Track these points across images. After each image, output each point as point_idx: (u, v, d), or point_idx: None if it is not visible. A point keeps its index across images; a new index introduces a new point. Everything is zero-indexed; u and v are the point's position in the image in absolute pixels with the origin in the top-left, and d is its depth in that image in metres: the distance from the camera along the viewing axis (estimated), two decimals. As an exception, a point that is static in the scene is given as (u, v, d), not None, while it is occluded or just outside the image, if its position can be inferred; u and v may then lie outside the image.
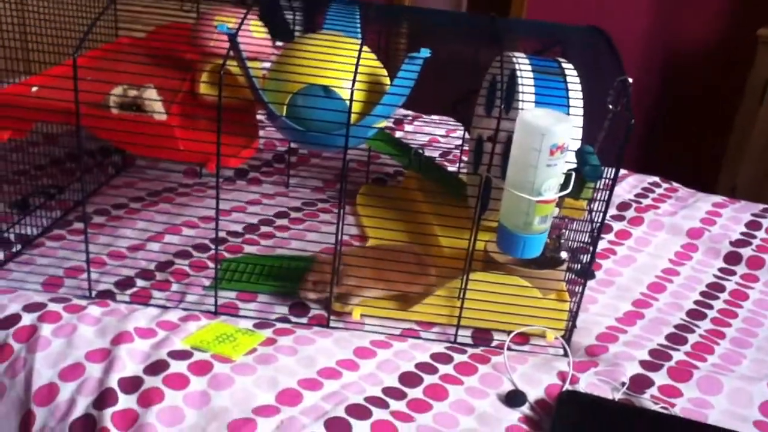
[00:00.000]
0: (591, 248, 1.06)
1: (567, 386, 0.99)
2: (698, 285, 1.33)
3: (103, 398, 0.88)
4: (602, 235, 1.45)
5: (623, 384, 1.00)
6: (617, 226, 1.49)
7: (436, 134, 1.88)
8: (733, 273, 1.38)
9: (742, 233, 1.49)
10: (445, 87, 1.62)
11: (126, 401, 0.87)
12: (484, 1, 3.51)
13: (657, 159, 3.05)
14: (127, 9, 1.32)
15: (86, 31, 1.02)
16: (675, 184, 1.73)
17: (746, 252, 1.42)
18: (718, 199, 1.64)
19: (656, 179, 1.74)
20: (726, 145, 2.65)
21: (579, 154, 1.04)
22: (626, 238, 1.46)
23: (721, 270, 1.39)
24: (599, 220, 1.05)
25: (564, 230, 1.18)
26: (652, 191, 1.67)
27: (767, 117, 2.48)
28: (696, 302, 1.27)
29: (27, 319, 1.00)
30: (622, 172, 1.77)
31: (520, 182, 0.95)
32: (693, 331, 1.17)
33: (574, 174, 0.98)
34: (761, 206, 1.62)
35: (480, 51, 1.27)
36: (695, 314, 1.23)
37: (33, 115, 1.11)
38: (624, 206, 1.57)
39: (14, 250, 1.18)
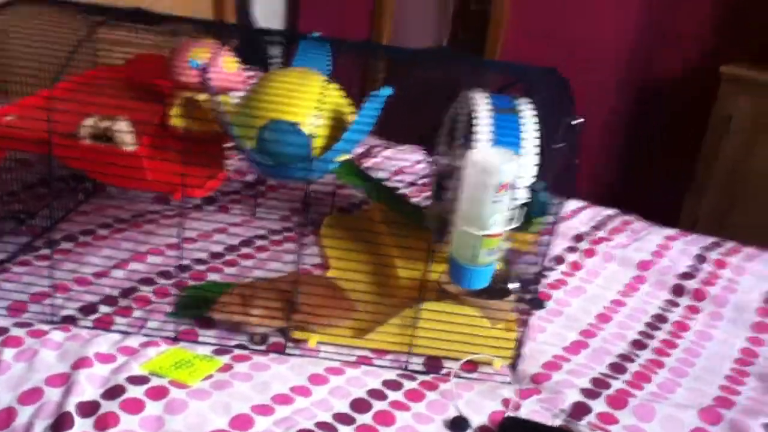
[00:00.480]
0: (538, 280, 1.12)
1: (509, 412, 1.04)
2: (643, 316, 1.39)
3: (61, 422, 0.91)
4: (554, 267, 1.51)
5: (563, 411, 1.06)
6: (570, 257, 1.55)
7: (404, 165, 1.94)
8: (677, 305, 1.44)
9: (689, 266, 1.55)
10: (416, 118, 1.69)
11: (82, 425, 0.91)
12: (468, 30, 3.62)
13: (624, 189, 3.14)
14: (106, 37, 1.36)
15: (64, 64, 1.06)
16: (631, 216, 1.79)
17: (691, 284, 1.48)
18: (671, 231, 1.71)
19: (614, 211, 1.81)
20: (690, 177, 2.73)
21: (530, 189, 1.10)
22: (578, 269, 1.52)
23: (666, 301, 1.45)
24: (545, 252, 1.11)
25: (513, 262, 1.24)
26: (607, 224, 1.74)
27: (729, 151, 2.57)
28: (639, 332, 1.33)
29: (-10, 343, 1.03)
30: (581, 204, 1.84)
31: (469, 217, 1.01)
32: (633, 361, 1.23)
33: (518, 209, 1.03)
34: (711, 239, 1.69)
35: (451, 85, 1.34)
36: (638, 344, 1.29)
37: (7, 144, 1.15)
38: (578, 238, 1.64)
39: (-19, 274, 1.22)
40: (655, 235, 1.68)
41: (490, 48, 3.04)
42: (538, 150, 1.12)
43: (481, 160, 1.00)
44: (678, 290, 1.48)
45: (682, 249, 1.62)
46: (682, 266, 1.55)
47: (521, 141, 1.13)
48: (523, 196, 1.06)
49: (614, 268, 1.54)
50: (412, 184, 1.83)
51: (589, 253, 1.58)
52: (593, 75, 2.85)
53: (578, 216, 1.76)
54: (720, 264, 1.57)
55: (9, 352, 1.01)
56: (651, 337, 1.32)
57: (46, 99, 1.04)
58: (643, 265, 1.55)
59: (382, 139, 2.07)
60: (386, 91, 1.20)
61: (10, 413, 0.93)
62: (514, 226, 1.05)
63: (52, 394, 0.95)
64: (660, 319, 1.38)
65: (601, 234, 1.67)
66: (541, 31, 2.94)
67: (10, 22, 1.16)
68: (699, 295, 1.46)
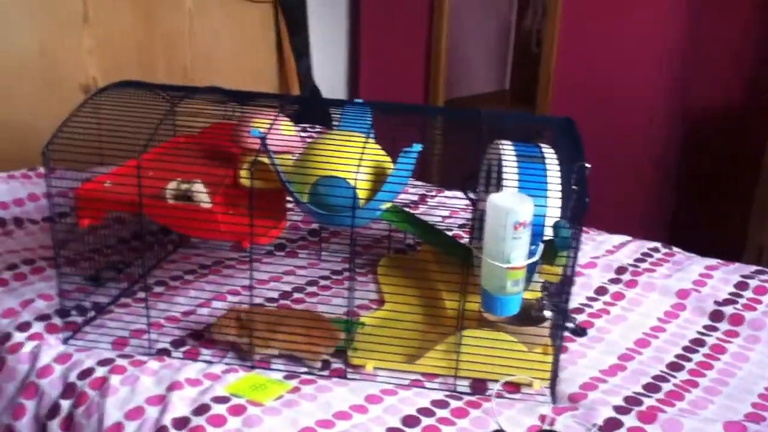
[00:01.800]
0: (564, 304, 1.24)
1: (545, 426, 1.16)
2: (681, 340, 1.47)
3: (159, 434, 1.09)
4: (598, 297, 1.62)
5: (594, 425, 1.17)
6: (613, 288, 1.65)
7: (456, 208, 2.09)
8: (716, 329, 1.52)
9: (730, 293, 1.63)
10: (461, 167, 1.84)
11: (176, 436, 1.09)
12: (526, 69, 3.73)
13: (683, 223, 3.17)
14: (184, 110, 1.59)
15: (148, 138, 1.28)
16: (674, 249, 1.88)
17: (729, 310, 1.56)
18: (712, 261, 1.78)
19: (657, 245, 1.89)
20: (750, 208, 2.76)
21: (554, 226, 1.24)
22: (620, 299, 1.62)
23: (705, 327, 1.53)
24: (568, 281, 1.23)
25: (546, 292, 1.36)
26: (651, 256, 1.83)
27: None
28: (676, 356, 1.41)
29: (99, 371, 1.23)
30: (625, 238, 1.93)
31: (493, 252, 1.15)
32: (668, 381, 1.32)
33: (543, 244, 1.17)
34: (753, 268, 1.75)
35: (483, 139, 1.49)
36: (674, 366, 1.38)
37: (106, 206, 1.37)
38: (621, 270, 1.73)
39: (89, 316, 1.43)
40: (697, 265, 1.76)
41: (542, 87, 3.15)
42: (560, 192, 1.26)
43: (498, 202, 1.16)
44: (717, 316, 1.55)
45: (723, 278, 1.69)
46: (722, 294, 1.62)
47: (546, 184, 1.27)
48: (548, 233, 1.20)
49: (655, 297, 1.63)
50: (462, 225, 1.97)
51: (631, 284, 1.67)
52: (639, 111, 2.94)
53: (622, 250, 1.86)
54: (760, 290, 1.63)
55: (116, 378, 1.21)
56: (688, 359, 1.40)
57: (135, 168, 1.25)
58: (683, 294, 1.63)
59: (435, 186, 2.23)
60: (417, 147, 1.37)
61: (119, 428, 1.12)
62: (534, 259, 1.18)
63: (152, 411, 1.14)
64: (697, 342, 1.46)
65: (644, 266, 1.77)
66: (588, 67, 3.04)
67: (106, 104, 1.38)
68: (737, 320, 1.53)
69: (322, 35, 3.20)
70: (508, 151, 1.34)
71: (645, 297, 1.63)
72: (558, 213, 1.29)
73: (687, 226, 3.15)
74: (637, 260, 1.80)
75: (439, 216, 2.00)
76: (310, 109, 1.65)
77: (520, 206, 1.11)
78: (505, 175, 1.30)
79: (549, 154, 1.37)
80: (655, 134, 3.07)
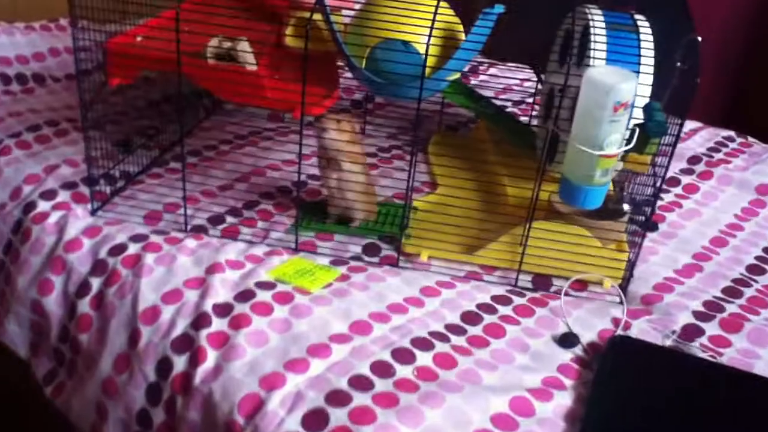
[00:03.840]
0: (653, 201, 1.10)
1: (619, 331, 1.06)
2: (762, 241, 1.35)
3: (199, 321, 1.00)
4: (669, 189, 1.48)
5: (673, 332, 1.06)
6: (685, 179, 1.51)
7: (511, 83, 1.91)
8: (800, 230, 1.39)
9: (815, 191, 1.48)
10: (524, 35, 1.64)
11: (219, 324, 1.00)
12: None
13: (740, 112, 2.96)
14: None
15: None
16: (750, 139, 1.71)
17: (816, 209, 1.42)
18: (793, 154, 1.62)
19: (731, 133, 1.73)
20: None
21: (646, 109, 1.08)
22: (693, 192, 1.48)
23: (787, 227, 1.40)
24: (662, 174, 1.09)
25: (627, 183, 1.22)
26: (726, 145, 1.67)
27: None
28: (757, 257, 1.30)
29: (132, 248, 1.13)
30: (696, 125, 1.77)
31: (584, 136, 1.00)
32: (750, 286, 1.21)
33: (638, 129, 1.02)
34: (839, 163, 1.60)
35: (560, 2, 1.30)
36: (754, 269, 1.26)
37: (139, 63, 1.21)
38: (694, 160, 1.58)
39: (119, 185, 1.32)
40: (778, 157, 1.60)
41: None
42: (654, 69, 1.09)
43: (597, 78, 0.99)
44: (800, 216, 1.42)
45: (807, 173, 1.54)
46: (806, 191, 1.48)
47: (638, 59, 1.09)
48: (639, 116, 1.04)
49: (731, 192, 1.49)
50: (518, 102, 1.81)
51: (706, 175, 1.53)
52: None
53: (693, 138, 1.70)
54: None
55: (150, 257, 1.10)
56: (769, 262, 1.29)
57: (172, 20, 1.09)
58: (763, 189, 1.49)
59: (487, 57, 2.04)
60: (498, 8, 1.18)
61: (155, 311, 1.03)
62: (629, 147, 1.03)
63: (191, 295, 1.04)
64: (780, 244, 1.34)
65: (718, 156, 1.61)
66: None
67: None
68: (823, 221, 1.40)
69: None
70: (596, 17, 1.15)
71: (721, 191, 1.49)
72: (648, 93, 1.13)
73: (742, 114, 2.94)
74: (711, 149, 1.65)
75: (492, 91, 1.83)
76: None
77: (623, 83, 0.94)
78: (592, 47, 1.12)
79: (642, 24, 1.18)
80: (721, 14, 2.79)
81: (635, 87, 0.96)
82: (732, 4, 2.69)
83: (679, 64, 1.01)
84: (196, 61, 1.15)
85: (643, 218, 1.16)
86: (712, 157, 1.61)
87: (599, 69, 0.98)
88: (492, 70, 1.96)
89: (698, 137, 1.70)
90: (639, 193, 1.23)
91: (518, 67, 1.99)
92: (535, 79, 1.52)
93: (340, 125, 1.17)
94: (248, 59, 1.16)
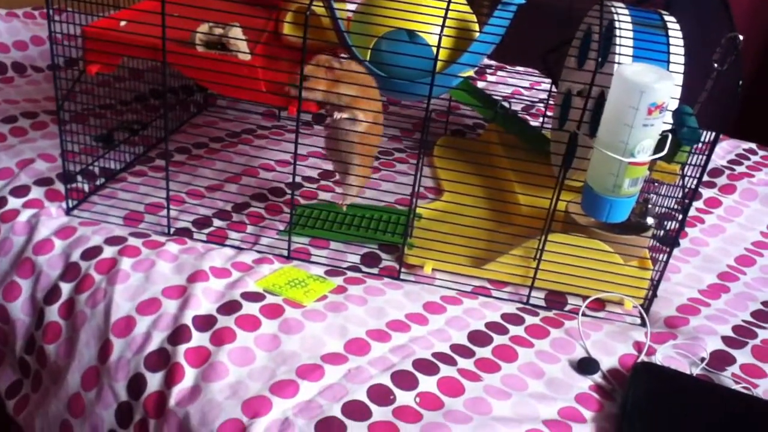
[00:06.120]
0: (680, 215, 1.00)
1: (643, 357, 0.96)
2: (792, 261, 1.25)
3: (178, 334, 0.90)
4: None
5: (702, 359, 0.96)
6: (707, 193, 1.42)
7: (520, 86, 1.81)
8: (832, 250, 1.29)
9: None
10: (531, 37, 1.55)
11: (199, 339, 0.89)
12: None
13: (757, 123, 2.87)
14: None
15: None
16: (774, 151, 1.62)
17: None
18: (819, 169, 1.53)
19: (753, 145, 1.64)
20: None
21: (677, 114, 0.98)
22: (716, 206, 1.39)
23: (818, 246, 1.30)
24: (692, 185, 0.99)
25: (652, 195, 1.13)
26: (747, 158, 1.58)
27: None
28: (788, 279, 1.20)
29: (108, 251, 1.03)
30: (716, 135, 1.67)
31: (612, 142, 0.90)
32: (783, 310, 1.11)
33: (670, 136, 0.92)
34: None
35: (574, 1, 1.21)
36: (786, 292, 1.16)
37: (121, 50, 1.11)
38: (716, 173, 1.49)
39: (98, 183, 1.22)
40: (803, 172, 1.51)
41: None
42: (684, 71, 0.99)
43: (630, 76, 0.88)
44: (831, 234, 1.33)
45: (835, 189, 1.45)
46: (835, 208, 1.39)
47: (667, 60, 1.00)
48: (668, 121, 0.94)
49: (756, 207, 1.40)
50: (528, 107, 1.71)
51: (728, 189, 1.43)
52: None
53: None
54: None
55: (127, 262, 1.00)
56: (800, 284, 1.19)
57: (158, 2, 0.99)
58: (790, 205, 1.40)
59: (493, 60, 1.94)
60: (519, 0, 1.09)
61: (129, 322, 0.92)
62: (662, 154, 0.93)
63: (169, 305, 0.94)
64: (811, 265, 1.25)
65: (740, 169, 1.52)
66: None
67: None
68: None
69: None
70: (622, 14, 1.06)
71: (745, 206, 1.40)
72: (679, 97, 1.03)
73: (760, 125, 2.85)
74: (732, 162, 1.55)
75: (500, 94, 1.73)
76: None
77: (659, 83, 0.84)
78: (617, 45, 1.02)
79: (672, 23, 1.09)
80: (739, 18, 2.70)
81: (672, 88, 0.86)
82: (749, 8, 2.61)
83: (716, 65, 0.91)
84: (184, 49, 1.05)
85: (665, 233, 1.07)
86: (733, 169, 1.51)
87: (632, 67, 0.88)
88: (499, 74, 1.86)
89: (719, 149, 1.60)
90: (660, 204, 1.14)
91: (527, 72, 1.90)
92: (546, 83, 1.43)
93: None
94: (241, 47, 1.05)
